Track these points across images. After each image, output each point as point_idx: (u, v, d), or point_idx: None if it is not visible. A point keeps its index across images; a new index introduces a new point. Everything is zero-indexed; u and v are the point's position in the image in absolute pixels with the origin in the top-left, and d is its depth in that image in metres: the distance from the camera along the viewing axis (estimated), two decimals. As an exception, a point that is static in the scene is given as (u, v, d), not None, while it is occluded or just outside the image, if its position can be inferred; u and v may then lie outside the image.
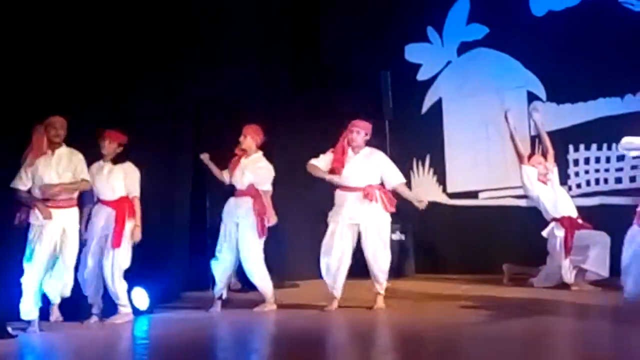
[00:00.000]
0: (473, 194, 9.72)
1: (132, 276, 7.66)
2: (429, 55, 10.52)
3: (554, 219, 8.42)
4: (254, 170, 7.76)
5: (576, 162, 9.30)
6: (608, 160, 9.02)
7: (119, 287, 7.38)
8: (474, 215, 9.64)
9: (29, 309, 6.96)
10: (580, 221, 8.34)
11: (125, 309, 7.47)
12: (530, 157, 8.51)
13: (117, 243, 7.30)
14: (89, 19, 8.00)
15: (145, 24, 8.39)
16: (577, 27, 9.17)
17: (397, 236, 9.81)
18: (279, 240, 8.61)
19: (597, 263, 8.09)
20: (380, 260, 7.51)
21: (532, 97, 9.60)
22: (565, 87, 8.92)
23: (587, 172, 9.23)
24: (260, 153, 7.88)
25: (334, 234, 7.59)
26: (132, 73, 8.09)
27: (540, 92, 9.56)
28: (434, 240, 9.83)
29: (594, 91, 8.58)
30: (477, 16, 10.10)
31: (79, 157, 7.21)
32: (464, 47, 10.26)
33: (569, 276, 8.22)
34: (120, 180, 7.47)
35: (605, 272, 8.05)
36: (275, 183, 8.66)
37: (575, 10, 9.32)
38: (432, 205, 9.97)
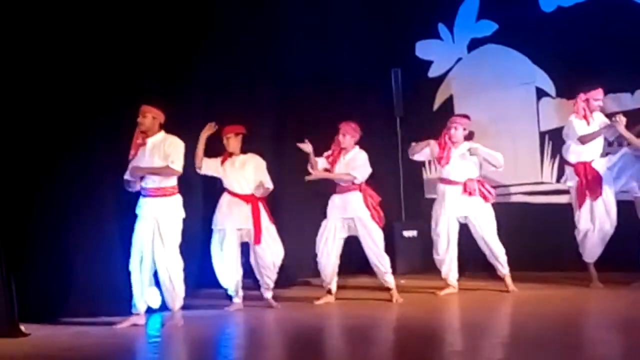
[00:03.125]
0: (484, 191, 9.69)
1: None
2: (440, 52, 10.49)
3: (568, 163, 8.45)
4: (354, 165, 8.12)
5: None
6: (618, 155, 8.98)
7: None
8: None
9: (134, 302, 7.25)
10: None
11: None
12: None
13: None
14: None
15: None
16: (586, 23, 9.13)
17: (409, 233, 9.84)
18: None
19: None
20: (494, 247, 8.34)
21: (541, 93, 9.60)
22: (575, 83, 8.89)
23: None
24: (357, 147, 8.23)
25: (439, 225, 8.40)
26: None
27: (550, 88, 9.54)
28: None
29: (604, 87, 8.53)
30: (486, 12, 10.08)
31: (172, 142, 7.24)
32: (474, 44, 10.24)
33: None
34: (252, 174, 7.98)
35: None
36: (289, 179, 8.80)
37: (584, 5, 9.28)
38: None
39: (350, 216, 8.12)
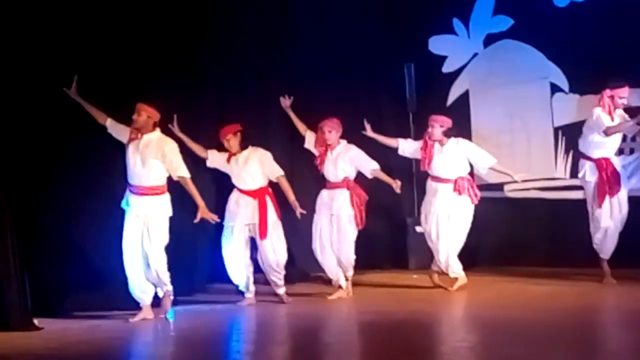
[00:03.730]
0: (498, 187, 9.67)
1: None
2: (455, 47, 10.41)
3: (588, 158, 8.37)
4: (349, 161, 8.17)
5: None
6: (632, 151, 8.94)
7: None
8: (498, 208, 9.61)
9: (137, 296, 7.36)
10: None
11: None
12: None
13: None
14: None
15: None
16: (599, 18, 9.06)
17: (421, 229, 9.81)
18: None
19: None
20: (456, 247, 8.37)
21: (555, 89, 9.56)
22: (588, 78, 8.86)
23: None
24: (344, 142, 8.27)
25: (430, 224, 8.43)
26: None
27: (563, 83, 9.48)
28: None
29: (619, 81, 8.47)
30: (502, 8, 10.02)
31: (170, 147, 7.34)
32: (490, 39, 10.20)
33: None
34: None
35: None
36: (297, 174, 8.81)
37: (598, 1, 9.23)
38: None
39: (334, 213, 8.21)
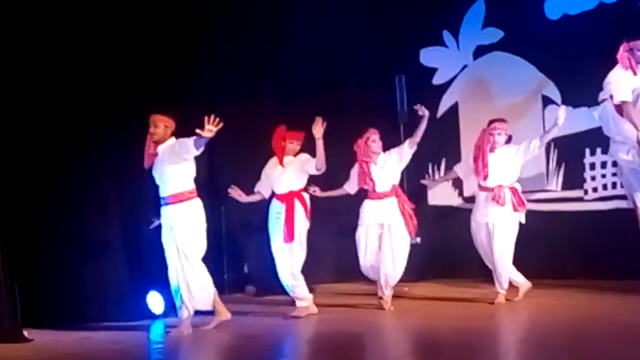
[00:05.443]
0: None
1: (147, 280, 7.73)
2: (445, 59, 10.49)
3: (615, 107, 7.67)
4: (396, 170, 8.13)
5: (592, 166, 9.25)
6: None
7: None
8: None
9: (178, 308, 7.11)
10: None
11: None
12: None
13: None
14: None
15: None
16: (593, 31, 9.09)
17: (413, 240, 9.77)
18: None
19: None
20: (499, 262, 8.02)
21: (547, 101, 9.58)
22: (581, 90, 8.87)
23: (603, 176, 9.17)
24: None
25: (473, 232, 8.23)
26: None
27: (556, 96, 9.51)
28: (450, 243, 9.80)
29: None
30: (492, 20, 10.07)
31: (178, 141, 7.00)
32: (480, 51, 10.23)
33: None
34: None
35: None
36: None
37: (590, 14, 9.26)
38: (448, 209, 10.02)
39: (383, 222, 8.03)
